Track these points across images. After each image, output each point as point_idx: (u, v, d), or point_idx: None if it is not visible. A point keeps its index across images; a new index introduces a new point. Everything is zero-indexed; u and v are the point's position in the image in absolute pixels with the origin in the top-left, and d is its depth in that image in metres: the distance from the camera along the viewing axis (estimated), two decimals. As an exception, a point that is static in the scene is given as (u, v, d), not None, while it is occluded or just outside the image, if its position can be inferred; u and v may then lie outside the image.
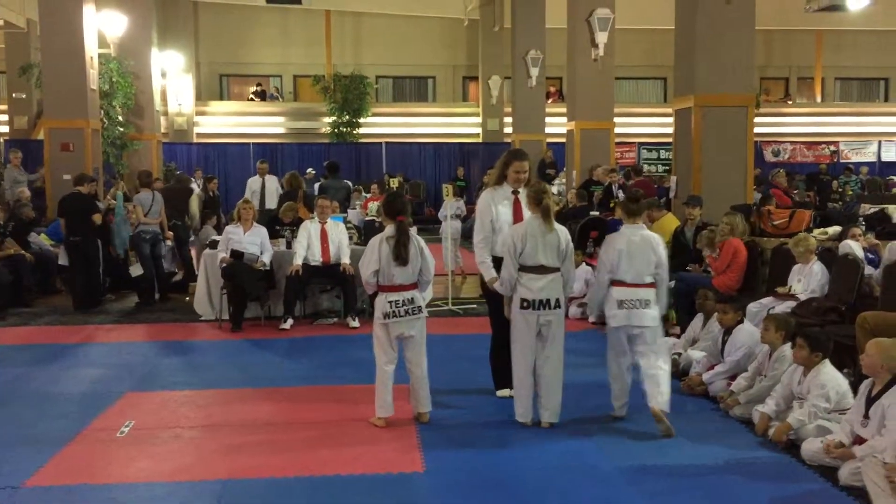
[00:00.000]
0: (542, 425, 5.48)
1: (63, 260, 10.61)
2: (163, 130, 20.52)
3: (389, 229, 5.50)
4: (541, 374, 5.47)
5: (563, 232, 5.50)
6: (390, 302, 5.44)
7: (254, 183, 13.70)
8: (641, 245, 5.52)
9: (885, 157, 23.42)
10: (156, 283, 10.48)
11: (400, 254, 5.41)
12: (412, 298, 5.49)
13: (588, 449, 5.14)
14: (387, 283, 5.47)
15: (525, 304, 5.41)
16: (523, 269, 5.43)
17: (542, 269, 5.40)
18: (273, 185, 13.39)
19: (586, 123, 15.13)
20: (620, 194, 11.77)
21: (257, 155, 21.42)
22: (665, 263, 5.59)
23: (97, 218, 10.06)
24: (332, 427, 5.55)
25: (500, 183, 5.96)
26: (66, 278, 10.74)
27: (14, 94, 20.18)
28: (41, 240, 11.46)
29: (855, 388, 4.97)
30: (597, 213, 11.71)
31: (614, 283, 5.53)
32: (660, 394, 5.38)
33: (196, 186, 14.95)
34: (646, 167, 20.85)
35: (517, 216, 5.79)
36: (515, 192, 5.88)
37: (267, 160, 15.00)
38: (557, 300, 5.43)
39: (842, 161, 22.62)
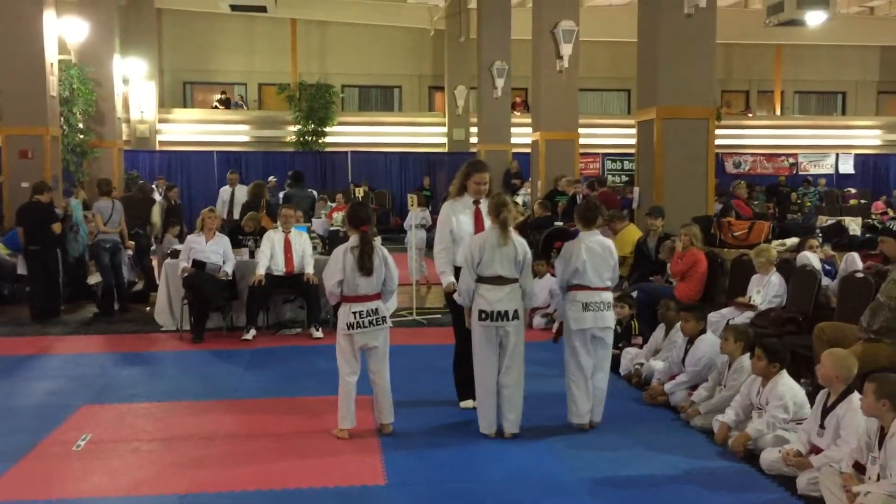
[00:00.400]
0: (505, 436, 5.49)
1: (22, 269, 10.40)
2: (124, 138, 20.25)
3: (353, 239, 5.48)
4: (503, 385, 5.48)
5: (521, 244, 5.53)
6: (354, 313, 5.41)
7: (224, 193, 13.59)
8: (600, 250, 5.68)
9: (843, 170, 23.89)
10: (115, 293, 10.32)
11: (364, 264, 5.39)
12: (376, 309, 5.47)
13: (550, 460, 5.16)
14: (351, 293, 5.44)
15: (483, 315, 5.42)
16: (481, 279, 5.45)
17: (499, 280, 5.43)
18: (242, 194, 13.29)
19: (551, 134, 15.22)
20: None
21: (221, 163, 21.22)
22: (617, 269, 5.86)
23: (56, 227, 9.90)
24: (294, 439, 5.50)
25: (460, 194, 5.99)
26: (25, 288, 10.52)
27: (-29, 100, 19.77)
28: (-3, 249, 11.23)
29: (812, 398, 5.04)
30: (561, 223, 11.78)
31: (577, 287, 5.63)
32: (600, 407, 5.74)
33: (158, 195, 14.76)
34: (610, 178, 21.05)
35: (478, 226, 5.83)
36: (476, 203, 5.90)
37: (237, 170, 14.87)
38: (516, 311, 5.45)
39: (800, 173, 23.03)
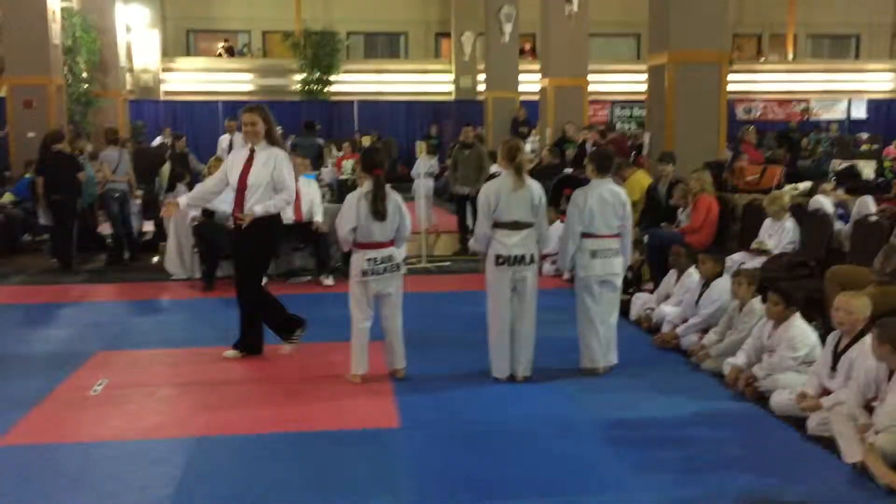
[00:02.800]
0: (517, 379, 5.53)
1: (46, 220, 10.29)
2: (128, 88, 20.09)
3: (367, 184, 5.44)
4: (516, 330, 5.50)
5: (536, 187, 5.51)
6: (369, 259, 5.40)
7: (223, 141, 13.51)
8: (610, 199, 5.62)
9: (855, 115, 23.58)
10: (125, 242, 10.33)
11: (378, 208, 5.35)
12: (391, 256, 5.46)
13: (562, 403, 5.20)
14: (365, 240, 5.42)
15: (500, 259, 5.42)
16: (497, 225, 5.43)
17: (515, 226, 5.42)
18: (241, 142, 13.20)
19: (560, 80, 15.04)
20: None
21: (226, 113, 21.00)
22: (630, 215, 5.79)
23: (82, 176, 9.90)
24: (307, 384, 5.55)
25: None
26: (40, 238, 10.53)
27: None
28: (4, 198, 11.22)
29: (823, 340, 5.05)
30: (570, 170, 11.70)
31: (585, 235, 5.62)
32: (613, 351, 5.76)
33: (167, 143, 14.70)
34: (619, 125, 20.83)
35: (244, 172, 5.81)
36: (252, 149, 5.91)
37: (236, 118, 14.78)
38: (532, 255, 5.46)
39: (812, 119, 22.76)
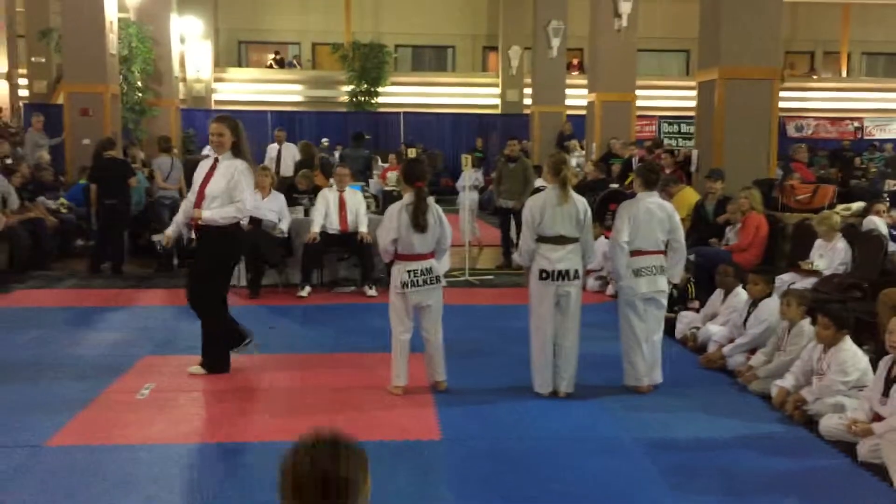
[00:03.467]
0: (560, 395, 5.49)
1: (97, 225, 10.56)
2: (181, 97, 20.51)
3: (408, 196, 5.46)
4: (560, 345, 5.48)
5: (581, 202, 5.48)
6: (409, 271, 5.42)
7: (271, 150, 13.72)
8: (657, 213, 5.57)
9: (911, 135, 23.05)
10: (175, 249, 10.50)
11: (418, 221, 5.37)
12: (430, 268, 5.47)
13: (604, 421, 5.14)
14: (405, 251, 5.44)
15: (544, 274, 5.40)
16: (542, 239, 5.41)
17: (560, 240, 5.39)
18: (290, 152, 13.38)
19: (607, 95, 14.97)
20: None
21: (275, 123, 21.35)
22: (680, 229, 5.69)
23: (133, 181, 10.12)
24: (348, 393, 5.58)
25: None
26: (99, 244, 10.73)
27: (33, 58, 20.18)
28: (58, 204, 11.49)
29: (874, 364, 4.92)
30: (616, 185, 11.62)
31: (630, 252, 5.55)
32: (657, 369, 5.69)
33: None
34: (666, 141, 20.63)
35: (205, 181, 5.79)
36: (216, 159, 5.89)
37: (284, 128, 15.00)
38: (576, 271, 5.43)
39: (866, 138, 22.29)
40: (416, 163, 5.85)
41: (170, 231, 6.31)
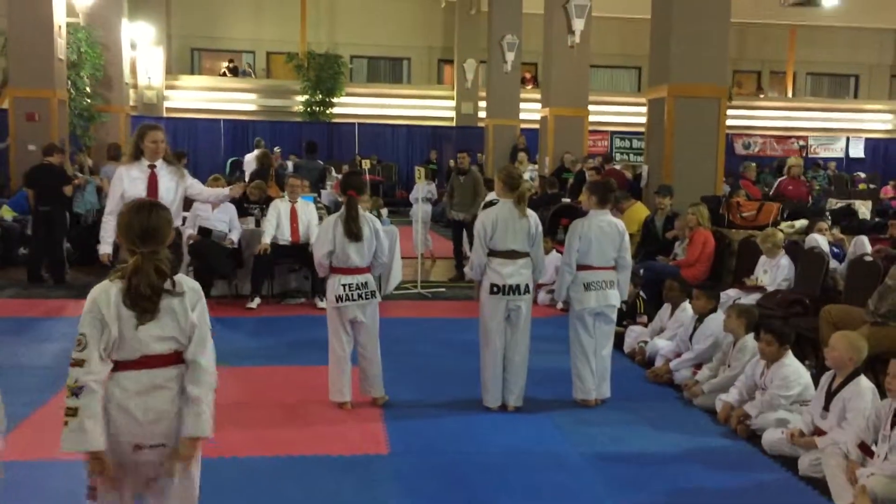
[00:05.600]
0: (509, 409, 5.51)
1: (29, 230, 10.37)
2: (131, 103, 20.16)
3: (343, 208, 5.43)
4: (509, 359, 5.49)
5: (533, 217, 5.52)
6: (343, 285, 5.34)
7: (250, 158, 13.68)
8: (608, 230, 5.62)
9: (853, 154, 23.73)
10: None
11: (351, 229, 5.30)
12: (366, 282, 5.40)
13: (553, 435, 5.17)
14: (341, 265, 5.37)
15: (495, 288, 5.41)
16: (493, 253, 5.43)
17: (512, 255, 5.42)
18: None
19: (560, 110, 15.13)
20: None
21: (228, 131, 21.20)
22: (629, 248, 5.77)
23: (68, 189, 9.91)
24: (297, 407, 5.52)
25: (137, 158, 6.00)
26: (36, 251, 10.50)
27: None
28: (2, 211, 11.22)
29: (816, 379, 5.04)
30: (568, 200, 11.74)
31: (581, 267, 5.61)
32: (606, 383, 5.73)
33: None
34: (618, 156, 20.94)
35: (150, 190, 5.81)
36: (152, 167, 5.95)
37: (262, 138, 14.91)
38: (527, 285, 5.45)
39: (810, 156, 22.88)
40: (352, 174, 5.88)
41: (103, 250, 6.16)
